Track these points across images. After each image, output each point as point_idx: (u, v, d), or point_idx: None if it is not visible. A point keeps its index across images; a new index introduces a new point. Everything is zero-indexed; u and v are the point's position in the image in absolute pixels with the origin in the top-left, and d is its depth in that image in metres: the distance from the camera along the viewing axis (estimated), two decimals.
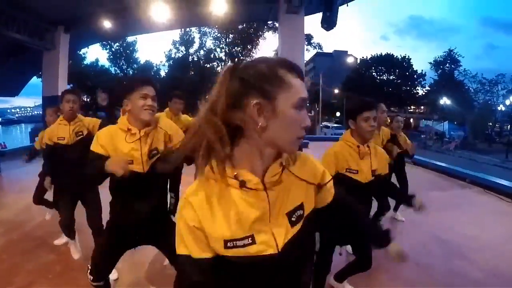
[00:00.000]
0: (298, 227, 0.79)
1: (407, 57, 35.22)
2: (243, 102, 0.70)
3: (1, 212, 4.17)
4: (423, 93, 35.96)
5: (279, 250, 0.75)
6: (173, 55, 21.94)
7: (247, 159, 0.75)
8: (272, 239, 0.75)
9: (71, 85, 18.32)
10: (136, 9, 8.25)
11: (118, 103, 1.72)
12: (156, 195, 1.77)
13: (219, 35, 21.48)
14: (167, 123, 1.87)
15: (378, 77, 35.70)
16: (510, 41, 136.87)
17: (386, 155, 2.05)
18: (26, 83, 14.69)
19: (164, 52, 22.33)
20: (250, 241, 0.73)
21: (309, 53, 35.74)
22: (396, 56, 35.29)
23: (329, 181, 0.89)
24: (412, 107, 39.52)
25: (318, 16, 7.87)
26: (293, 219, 0.78)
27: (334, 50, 49.07)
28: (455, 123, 33.10)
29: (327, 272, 2.19)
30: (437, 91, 32.87)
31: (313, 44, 28.72)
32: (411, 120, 37.32)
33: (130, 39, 21.17)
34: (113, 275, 2.43)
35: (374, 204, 2.83)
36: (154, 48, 36.08)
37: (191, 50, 21.85)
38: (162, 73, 22.36)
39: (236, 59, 21.63)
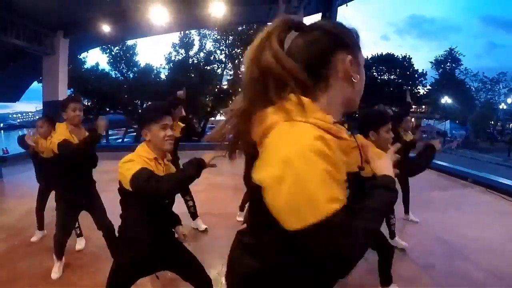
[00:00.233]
0: None
1: (407, 56, 35.14)
2: (331, 55, 0.73)
3: (3, 217, 4.18)
4: (424, 93, 35.87)
5: None
6: (173, 58, 21.95)
7: (334, 108, 0.75)
8: None
9: (72, 89, 18.37)
10: (135, 13, 8.30)
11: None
12: (171, 218, 1.81)
13: (218, 37, 21.50)
14: None
15: (379, 77, 35.58)
16: (511, 40, 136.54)
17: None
18: (27, 88, 14.80)
19: (164, 55, 22.36)
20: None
21: None
22: (397, 56, 35.20)
23: None
24: (413, 106, 39.40)
25: (318, 16, 7.89)
26: None
27: None
28: (457, 122, 33.05)
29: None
30: (438, 90, 32.82)
31: None
32: (413, 119, 37.16)
33: (130, 42, 21.19)
34: None
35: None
36: (154, 51, 36.17)
37: (191, 53, 21.86)
38: (163, 76, 22.34)
39: (237, 61, 21.69)
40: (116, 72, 22.32)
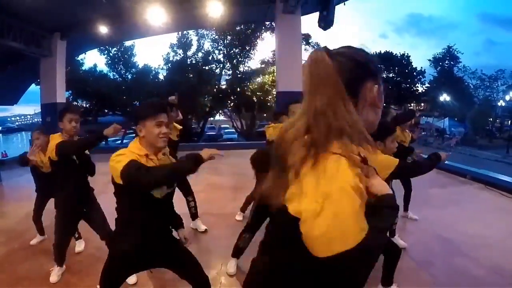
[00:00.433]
0: None
1: (406, 54, 35.15)
2: (361, 84, 0.77)
3: (2, 220, 4.17)
4: (423, 90, 35.89)
5: None
6: (171, 58, 21.87)
7: None
8: None
9: (70, 91, 18.35)
10: (132, 13, 8.28)
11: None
12: (169, 216, 1.79)
13: (216, 37, 21.45)
14: None
15: None
16: (509, 37, 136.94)
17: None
18: (25, 91, 14.76)
19: (162, 56, 22.23)
20: None
21: (307, 53, 35.64)
22: (396, 54, 35.21)
23: None
24: (412, 104, 39.44)
25: (316, 15, 7.85)
26: None
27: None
28: (456, 119, 33.08)
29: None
30: (437, 88, 32.85)
31: (312, 44, 28.66)
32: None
33: (127, 43, 21.14)
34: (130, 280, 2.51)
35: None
36: (152, 52, 35.89)
37: (189, 53, 21.79)
38: (161, 77, 22.30)
39: (235, 61, 21.67)
40: (114, 73, 22.28)
